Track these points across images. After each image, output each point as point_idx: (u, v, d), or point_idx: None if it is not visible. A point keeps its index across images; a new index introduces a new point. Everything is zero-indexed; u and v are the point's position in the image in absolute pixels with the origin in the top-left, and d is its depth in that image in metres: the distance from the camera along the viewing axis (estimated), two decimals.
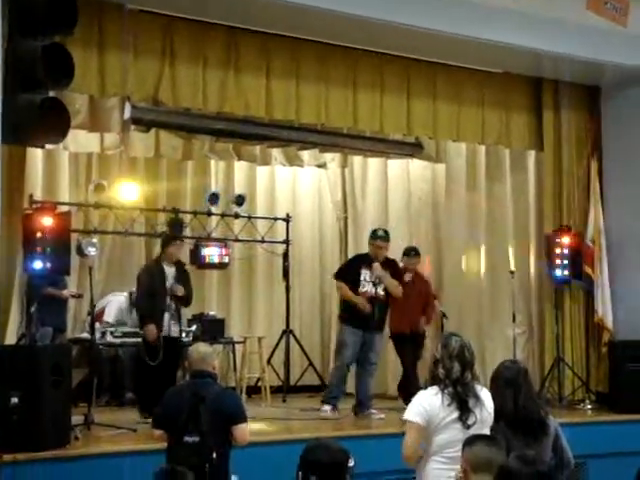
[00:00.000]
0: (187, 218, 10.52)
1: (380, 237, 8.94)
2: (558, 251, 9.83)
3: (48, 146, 7.97)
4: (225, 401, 5.33)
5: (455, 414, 4.48)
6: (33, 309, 7.23)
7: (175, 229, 9.98)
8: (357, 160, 12.10)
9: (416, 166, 11.49)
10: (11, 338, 7.69)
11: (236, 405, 5.43)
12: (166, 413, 5.38)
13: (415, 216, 11.47)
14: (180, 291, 8.41)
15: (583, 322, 9.96)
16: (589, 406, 9.48)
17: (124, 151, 10.10)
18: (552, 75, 9.92)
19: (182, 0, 7.74)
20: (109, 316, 10.02)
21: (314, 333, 12.02)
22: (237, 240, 11.00)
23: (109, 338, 9.73)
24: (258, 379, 10.51)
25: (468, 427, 4.44)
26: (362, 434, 7.81)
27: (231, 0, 7.84)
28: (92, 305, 8.10)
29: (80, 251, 8.29)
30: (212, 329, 10.24)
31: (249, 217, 10.96)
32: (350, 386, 9.31)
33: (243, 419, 5.31)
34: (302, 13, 7.79)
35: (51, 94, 6.06)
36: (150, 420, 5.84)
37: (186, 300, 8.67)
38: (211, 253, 10.65)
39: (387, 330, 9.38)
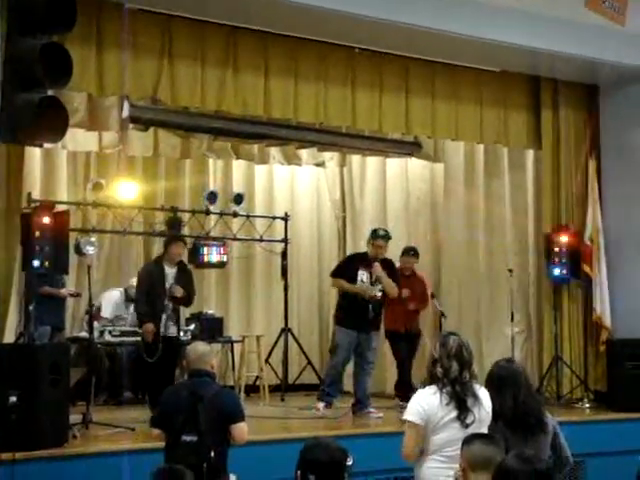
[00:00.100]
0: (185, 217, 10.52)
1: (381, 237, 8.93)
2: (556, 250, 9.84)
3: (46, 145, 7.95)
4: (223, 400, 5.33)
5: (453, 413, 4.48)
6: (31, 308, 7.22)
7: (174, 228, 9.98)
8: (356, 159, 12.11)
9: (415, 165, 11.50)
10: (9, 337, 7.71)
11: (234, 404, 5.43)
12: (164, 412, 5.38)
13: (413, 215, 11.48)
14: (179, 292, 8.39)
15: (581, 321, 9.96)
16: (587, 405, 9.48)
17: (122, 150, 10.12)
18: (550, 74, 9.92)
19: None
20: (106, 312, 10.04)
21: (312, 332, 12.03)
22: (235, 239, 11.01)
23: (107, 337, 9.73)
24: (256, 378, 10.52)
25: (466, 426, 4.44)
26: (360, 433, 7.81)
27: None
28: (90, 304, 8.10)
29: (78, 250, 8.30)
30: (210, 328, 10.25)
31: (247, 216, 10.96)
32: (349, 385, 9.32)
33: (241, 418, 5.32)
34: (301, 12, 7.79)
35: (50, 93, 6.04)
36: None
37: (186, 301, 8.66)
38: (209, 252, 10.64)
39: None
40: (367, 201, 12.01)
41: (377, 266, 8.75)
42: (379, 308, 8.88)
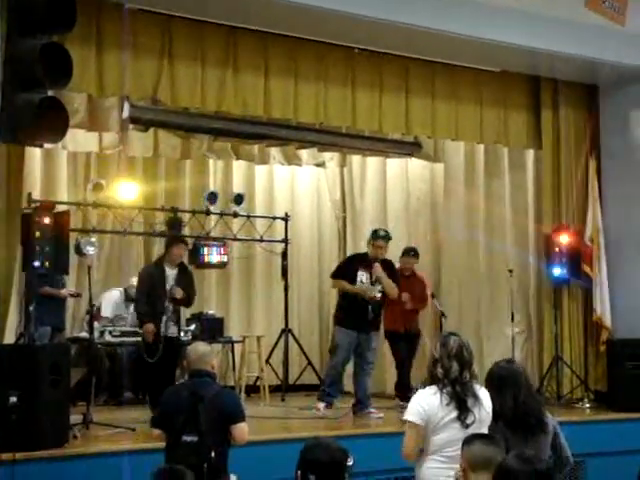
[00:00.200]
0: (186, 217, 10.52)
1: (381, 237, 8.92)
2: (557, 250, 9.84)
3: (47, 145, 7.96)
4: (224, 400, 5.33)
5: (454, 414, 4.48)
6: (32, 308, 7.21)
7: (174, 229, 9.98)
8: (356, 159, 12.11)
9: (415, 166, 11.50)
10: (10, 337, 7.70)
11: (235, 404, 5.43)
12: (164, 412, 5.38)
13: (414, 215, 11.48)
14: (179, 294, 8.38)
15: (582, 321, 9.95)
16: (587, 405, 9.48)
17: (123, 150, 10.12)
18: (550, 74, 9.92)
19: None
20: (106, 311, 10.05)
21: (313, 332, 12.03)
22: (236, 239, 11.01)
23: (108, 337, 9.74)
24: (257, 378, 10.52)
25: (467, 426, 4.45)
26: (361, 433, 7.81)
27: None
28: (91, 304, 8.10)
29: (79, 250, 8.29)
30: (211, 328, 10.25)
31: (248, 216, 10.96)
32: (349, 385, 9.32)
33: (242, 418, 5.31)
34: (300, 12, 7.79)
35: (50, 93, 6.05)
36: None
37: (186, 302, 8.66)
38: (210, 252, 10.65)
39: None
40: (367, 201, 12.02)
41: (377, 267, 8.74)
42: (379, 309, 8.88)
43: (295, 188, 12.27)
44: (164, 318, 8.30)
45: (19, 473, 5.99)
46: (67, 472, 6.32)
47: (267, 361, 10.56)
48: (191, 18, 8.00)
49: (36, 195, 8.98)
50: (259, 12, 7.93)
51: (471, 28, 8.40)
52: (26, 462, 6.10)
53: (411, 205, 11.51)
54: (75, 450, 6.51)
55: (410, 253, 9.88)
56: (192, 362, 5.43)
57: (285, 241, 11.13)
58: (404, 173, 11.64)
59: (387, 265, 8.92)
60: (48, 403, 6.44)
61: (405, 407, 4.73)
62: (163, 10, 7.85)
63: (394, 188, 11.70)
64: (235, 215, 10.76)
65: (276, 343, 10.75)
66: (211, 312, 10.61)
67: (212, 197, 10.40)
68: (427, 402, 4.51)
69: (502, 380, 4.81)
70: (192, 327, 9.97)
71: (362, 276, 8.78)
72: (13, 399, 6.17)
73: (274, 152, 11.35)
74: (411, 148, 11.24)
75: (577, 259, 9.85)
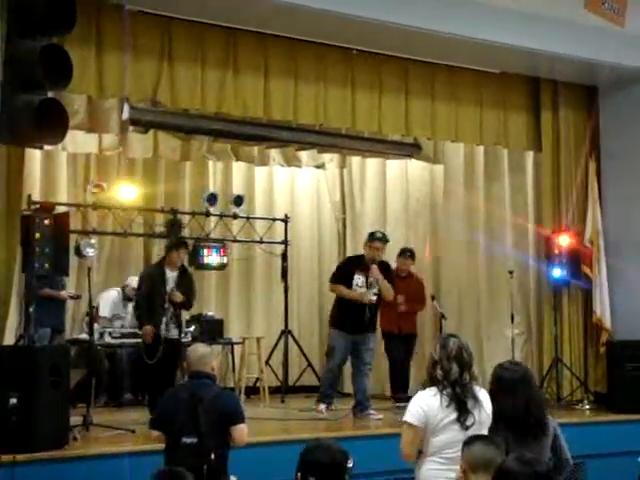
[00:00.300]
0: (185, 219, 10.52)
1: (378, 238, 8.90)
2: (556, 251, 9.84)
3: (46, 147, 7.96)
4: (223, 402, 5.33)
5: (453, 415, 4.48)
6: (31, 310, 7.20)
7: (174, 230, 9.98)
8: (355, 161, 12.11)
9: (414, 167, 11.51)
10: (10, 339, 7.70)
11: (234, 406, 5.43)
12: (164, 414, 5.38)
13: (413, 217, 11.48)
14: (178, 298, 8.35)
15: (581, 322, 9.95)
16: (587, 406, 9.48)
17: (122, 152, 10.13)
18: (550, 75, 9.93)
19: (181, 1, 7.75)
20: (104, 311, 10.04)
21: (312, 334, 12.02)
22: (235, 241, 11.00)
23: (107, 339, 9.75)
24: (257, 379, 10.52)
25: (467, 428, 4.44)
26: (361, 435, 7.81)
27: (229, 1, 7.84)
28: (90, 306, 8.10)
29: (79, 252, 8.29)
30: (211, 330, 10.24)
31: (247, 218, 10.96)
32: (349, 387, 9.32)
33: (241, 420, 5.32)
34: (300, 14, 7.79)
35: (50, 95, 6.05)
36: None
37: (186, 305, 8.64)
38: (209, 254, 10.63)
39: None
40: (367, 203, 12.01)
41: (375, 269, 8.72)
42: (375, 309, 8.88)
43: (295, 190, 12.26)
44: (164, 320, 8.30)
45: (19, 475, 5.99)
46: (67, 474, 6.31)
47: (267, 362, 10.56)
48: (191, 20, 8.01)
49: (36, 196, 8.98)
50: (258, 14, 7.93)
51: (471, 29, 8.41)
52: (26, 464, 6.09)
53: (411, 206, 11.50)
54: (75, 452, 6.51)
55: (406, 254, 9.88)
56: (192, 364, 5.43)
57: (285, 242, 11.13)
58: (404, 174, 11.64)
59: (383, 266, 8.90)
60: (48, 405, 6.43)
61: (400, 408, 4.73)
62: (163, 12, 7.85)
63: (394, 189, 11.70)
64: (235, 216, 10.76)
65: (276, 344, 10.75)
66: (211, 313, 10.60)
67: (212, 198, 10.40)
68: (427, 403, 4.51)
69: (504, 382, 4.79)
70: (192, 328, 9.94)
71: (358, 279, 8.75)
72: (13, 400, 6.17)
73: (274, 153, 11.35)
74: (411, 149, 11.24)
75: (577, 260, 9.85)
